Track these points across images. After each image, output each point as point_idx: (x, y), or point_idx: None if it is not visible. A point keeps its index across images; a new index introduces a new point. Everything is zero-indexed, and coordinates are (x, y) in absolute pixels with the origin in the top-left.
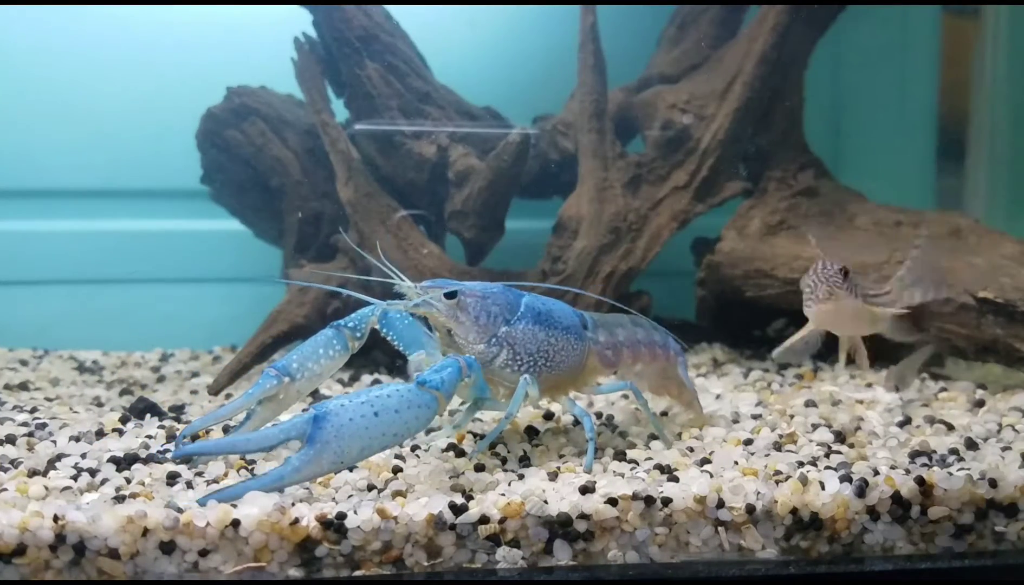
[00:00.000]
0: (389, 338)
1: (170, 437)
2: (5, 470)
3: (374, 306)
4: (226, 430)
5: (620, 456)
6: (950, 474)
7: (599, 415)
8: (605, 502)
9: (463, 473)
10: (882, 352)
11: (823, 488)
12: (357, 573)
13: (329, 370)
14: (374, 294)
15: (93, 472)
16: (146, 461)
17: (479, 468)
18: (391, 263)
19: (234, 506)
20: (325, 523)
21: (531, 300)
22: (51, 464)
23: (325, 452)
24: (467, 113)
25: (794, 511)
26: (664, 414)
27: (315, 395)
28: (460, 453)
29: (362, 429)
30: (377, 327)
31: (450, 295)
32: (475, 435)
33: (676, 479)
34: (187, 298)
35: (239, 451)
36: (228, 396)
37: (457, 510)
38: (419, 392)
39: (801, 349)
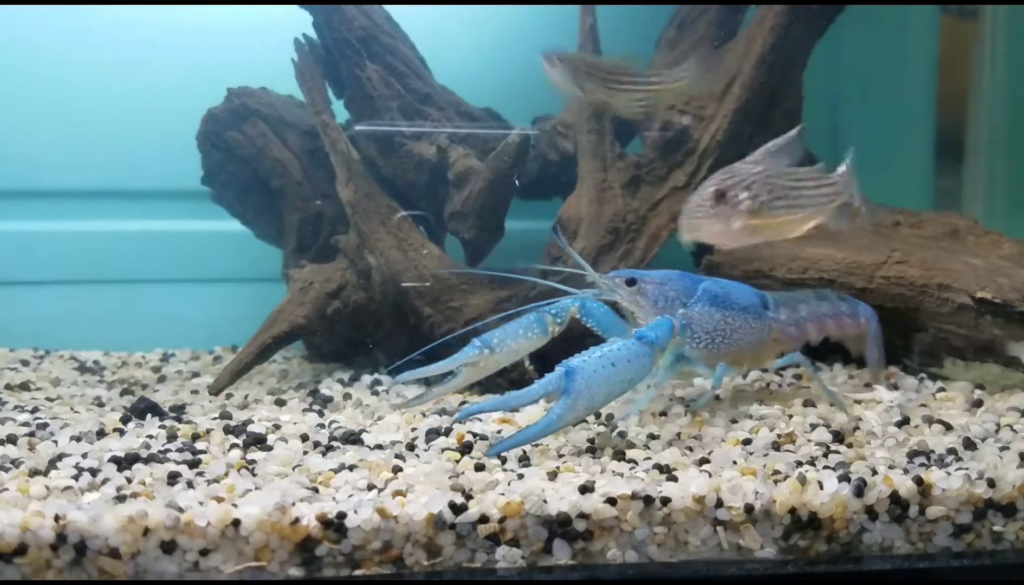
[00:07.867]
0: (589, 325)
1: (171, 437)
2: (6, 470)
3: (574, 296)
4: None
5: (619, 456)
6: (948, 474)
7: (597, 415)
8: (604, 502)
9: (463, 473)
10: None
11: (821, 488)
12: (357, 572)
13: (526, 349)
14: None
15: (94, 472)
16: (147, 461)
17: (479, 468)
18: (390, 263)
19: (234, 505)
20: (325, 522)
21: (709, 284)
22: (52, 464)
23: (580, 400)
24: (467, 114)
25: (792, 511)
26: (663, 414)
27: (314, 395)
28: (462, 452)
29: (604, 378)
30: (578, 316)
31: (630, 282)
32: (475, 435)
33: (675, 479)
34: (188, 298)
35: (510, 406)
36: (229, 396)
37: (457, 509)
38: (640, 345)
39: None
